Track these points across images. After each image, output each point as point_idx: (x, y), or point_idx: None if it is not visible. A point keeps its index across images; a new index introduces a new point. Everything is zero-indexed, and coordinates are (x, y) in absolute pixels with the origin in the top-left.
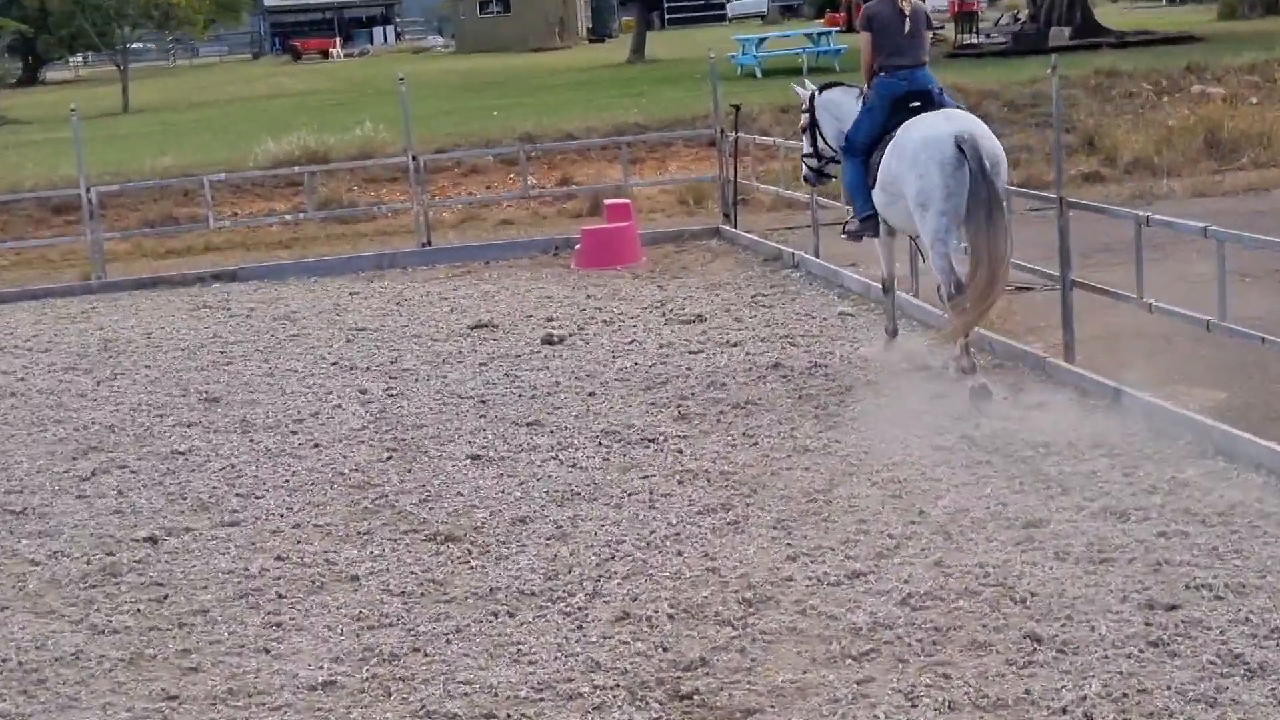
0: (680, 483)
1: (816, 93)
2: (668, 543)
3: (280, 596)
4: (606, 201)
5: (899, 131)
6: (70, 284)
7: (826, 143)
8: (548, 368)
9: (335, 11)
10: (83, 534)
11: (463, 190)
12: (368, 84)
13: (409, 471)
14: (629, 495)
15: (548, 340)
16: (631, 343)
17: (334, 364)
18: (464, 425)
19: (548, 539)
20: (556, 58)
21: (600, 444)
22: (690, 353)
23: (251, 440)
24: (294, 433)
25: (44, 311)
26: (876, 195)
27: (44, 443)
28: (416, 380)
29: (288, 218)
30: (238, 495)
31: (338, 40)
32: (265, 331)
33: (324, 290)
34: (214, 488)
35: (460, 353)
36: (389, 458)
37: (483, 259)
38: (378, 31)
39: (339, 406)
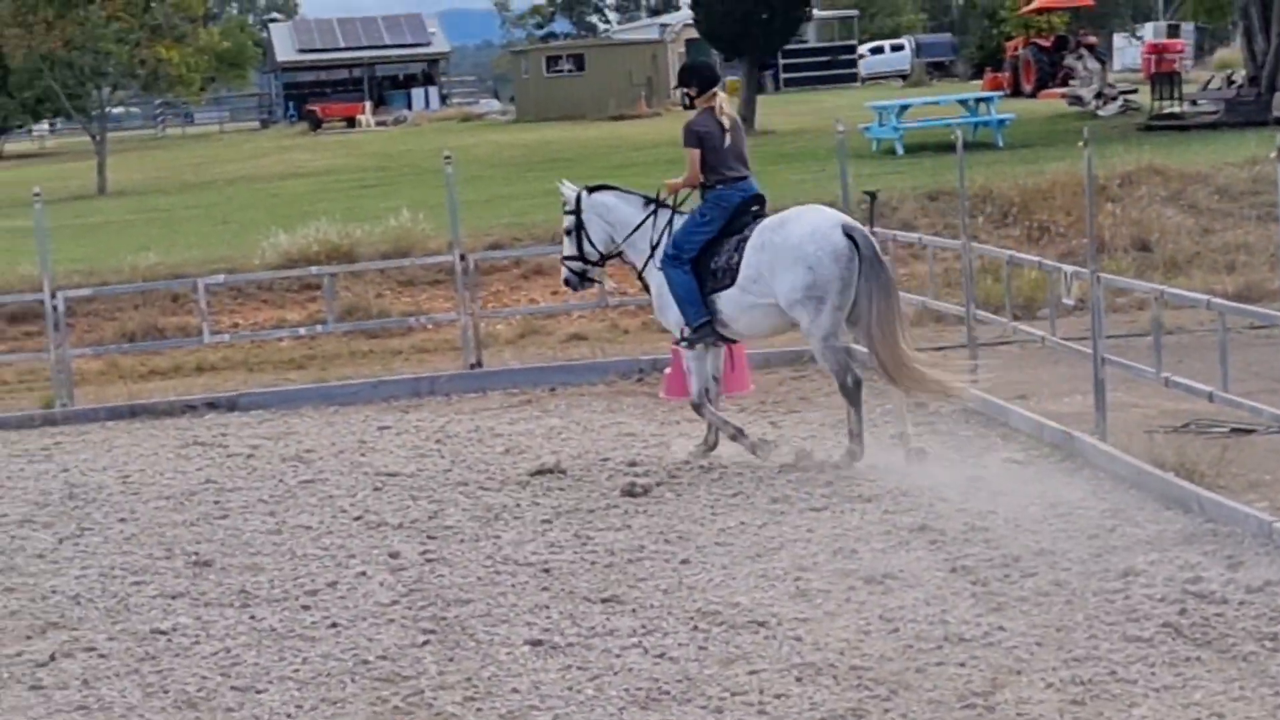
0: (799, 680)
1: (584, 193)
2: None
3: None
4: None
5: (763, 233)
6: (28, 412)
7: (594, 246)
8: (629, 527)
9: (365, 69)
10: None
11: (523, 298)
12: (404, 161)
13: (450, 660)
14: (732, 696)
15: (629, 491)
16: (736, 495)
17: (357, 519)
18: (521, 601)
19: None
20: (642, 128)
21: (696, 628)
22: (811, 509)
23: (252, 617)
24: (306, 608)
25: None
26: (732, 297)
27: None
28: (461, 542)
29: (302, 331)
30: (234, 689)
31: (368, 105)
32: (271, 476)
33: (346, 423)
34: (204, 678)
35: (518, 506)
36: (425, 642)
37: (547, 385)
38: (418, 94)
39: (363, 575)
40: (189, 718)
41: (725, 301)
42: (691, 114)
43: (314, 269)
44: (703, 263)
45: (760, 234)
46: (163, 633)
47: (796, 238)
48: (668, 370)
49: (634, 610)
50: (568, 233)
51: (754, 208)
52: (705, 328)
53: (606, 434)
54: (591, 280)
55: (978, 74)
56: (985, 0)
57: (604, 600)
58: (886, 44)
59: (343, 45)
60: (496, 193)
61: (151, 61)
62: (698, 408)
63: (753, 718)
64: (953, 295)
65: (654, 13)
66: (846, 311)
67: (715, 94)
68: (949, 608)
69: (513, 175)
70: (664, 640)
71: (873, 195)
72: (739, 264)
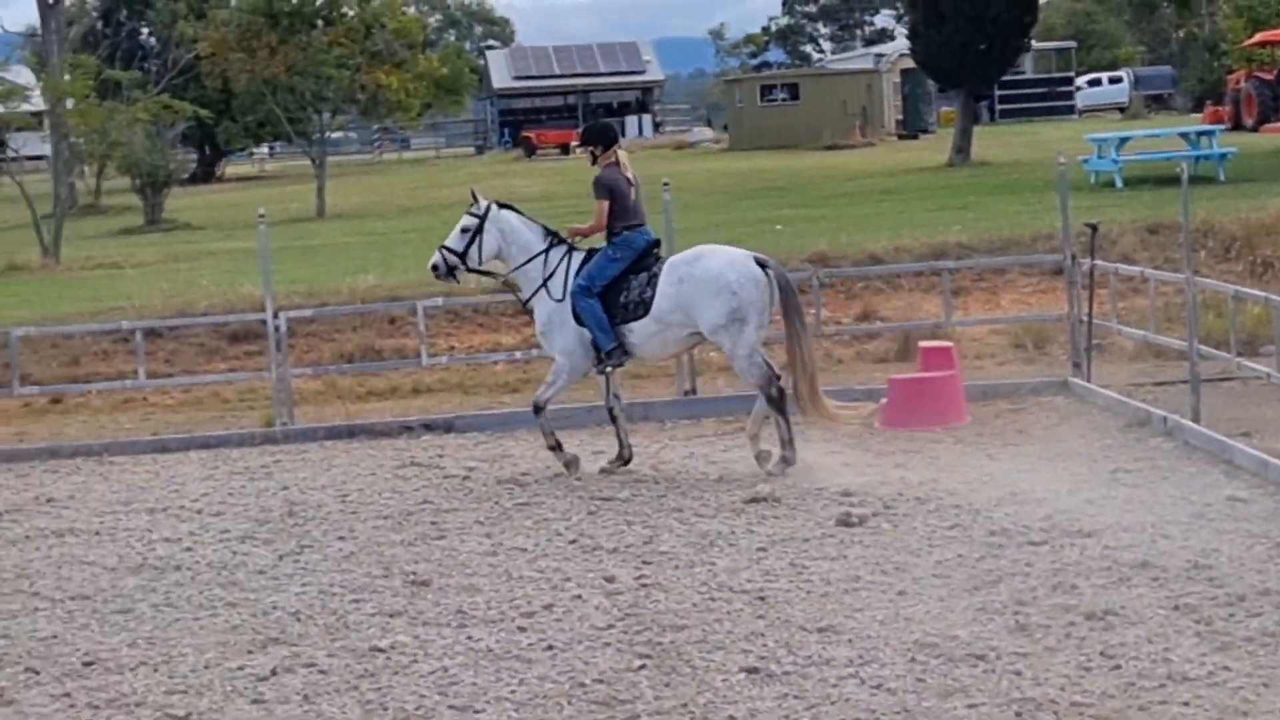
0: (1018, 715)
1: (494, 206)
2: None
3: None
4: (922, 344)
5: (678, 269)
6: (249, 430)
7: (479, 254)
8: (844, 557)
9: (580, 97)
10: None
11: None
12: None
13: (667, 686)
14: None
15: (844, 521)
16: (954, 528)
17: (573, 543)
18: (737, 628)
19: None
20: (857, 158)
21: (913, 660)
22: (1030, 544)
23: (469, 637)
24: (522, 629)
25: (216, 464)
26: (645, 326)
27: (214, 630)
28: (676, 567)
29: (517, 355)
30: (451, 708)
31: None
32: (487, 498)
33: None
34: (422, 697)
35: (732, 533)
36: (641, 666)
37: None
38: (631, 122)
39: (579, 598)
40: None
41: (637, 331)
42: (597, 169)
43: None
44: (610, 298)
45: (674, 270)
46: (381, 650)
47: (717, 269)
48: (883, 400)
49: (850, 640)
50: (464, 230)
51: (655, 250)
52: (616, 352)
53: (821, 463)
54: (455, 279)
55: (1197, 107)
56: (1206, 33)
57: (820, 629)
58: (1104, 76)
59: (558, 72)
60: (710, 220)
61: (371, 87)
62: (537, 410)
63: None
64: (1173, 330)
65: (869, 42)
66: (764, 331)
67: (616, 152)
68: (1172, 646)
69: (726, 203)
70: (881, 671)
71: (1094, 228)
72: (652, 298)
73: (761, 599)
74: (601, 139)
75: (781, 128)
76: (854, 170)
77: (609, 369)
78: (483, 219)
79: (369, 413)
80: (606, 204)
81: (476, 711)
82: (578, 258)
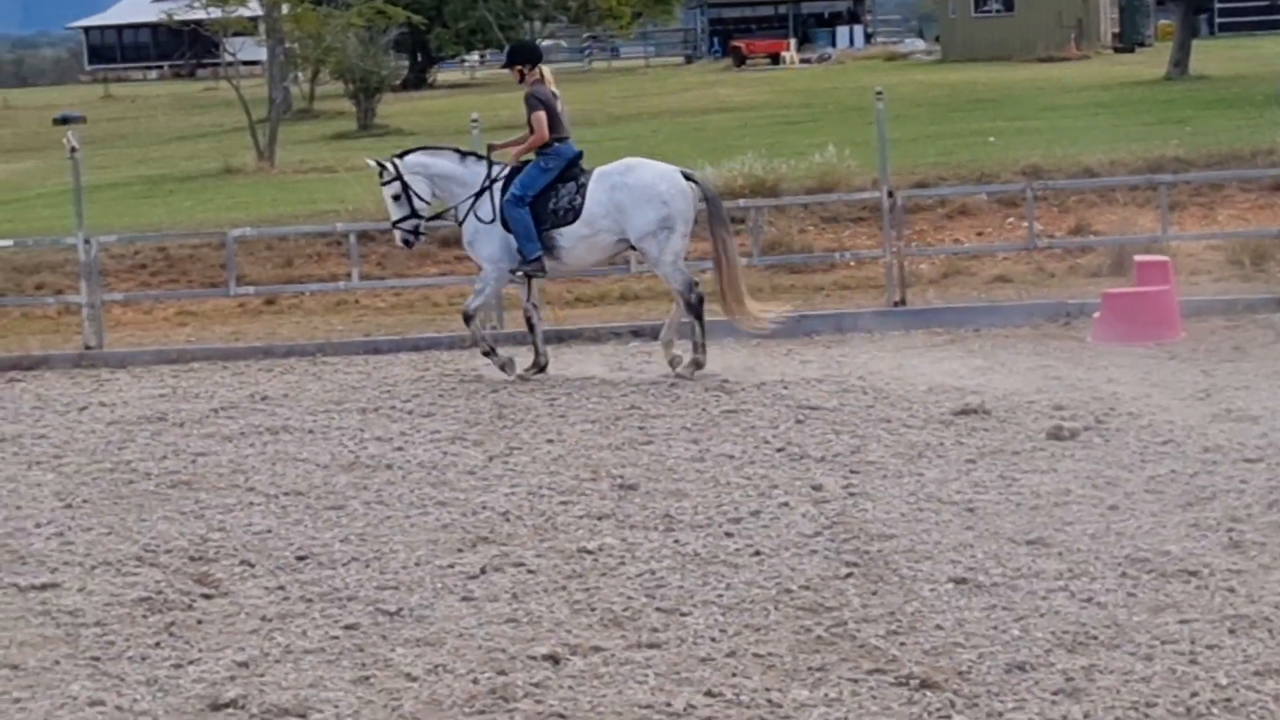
0: (1231, 632)
1: (398, 160)
2: (1214, 710)
3: None
4: (1137, 258)
5: (609, 178)
6: (460, 333)
7: (424, 201)
8: (1055, 470)
9: (791, 6)
10: (469, 646)
11: (947, 236)
12: (828, 98)
13: (874, 594)
14: (1162, 644)
15: (1055, 434)
16: (1166, 443)
17: (780, 450)
18: (945, 538)
19: (1054, 694)
20: (1071, 70)
21: (1124, 574)
22: (1246, 460)
23: (676, 541)
24: (729, 535)
25: (427, 366)
26: (575, 231)
27: (425, 529)
28: (884, 477)
29: None
30: (659, 610)
31: (792, 42)
32: (694, 405)
33: (768, 356)
34: (629, 598)
35: (941, 444)
36: (848, 574)
37: (971, 325)
38: (842, 32)
39: (786, 505)
40: (614, 636)
41: (566, 236)
42: (525, 87)
43: (741, 201)
44: (539, 206)
45: (606, 179)
46: (589, 552)
47: (649, 180)
48: (1097, 315)
49: (1060, 553)
50: (395, 198)
51: (580, 162)
52: (539, 260)
53: (1032, 376)
54: (422, 234)
55: None
56: None
57: (1029, 542)
58: None
59: None
60: (921, 132)
61: None
62: (467, 319)
63: (1184, 666)
64: None
65: None
66: (687, 240)
67: (540, 69)
68: None
69: (938, 115)
70: (1091, 585)
71: None
72: (582, 204)
73: (970, 510)
74: (528, 58)
75: (995, 40)
76: (1068, 83)
77: (529, 275)
78: (399, 178)
79: (577, 318)
80: (544, 114)
81: (683, 614)
82: (497, 170)
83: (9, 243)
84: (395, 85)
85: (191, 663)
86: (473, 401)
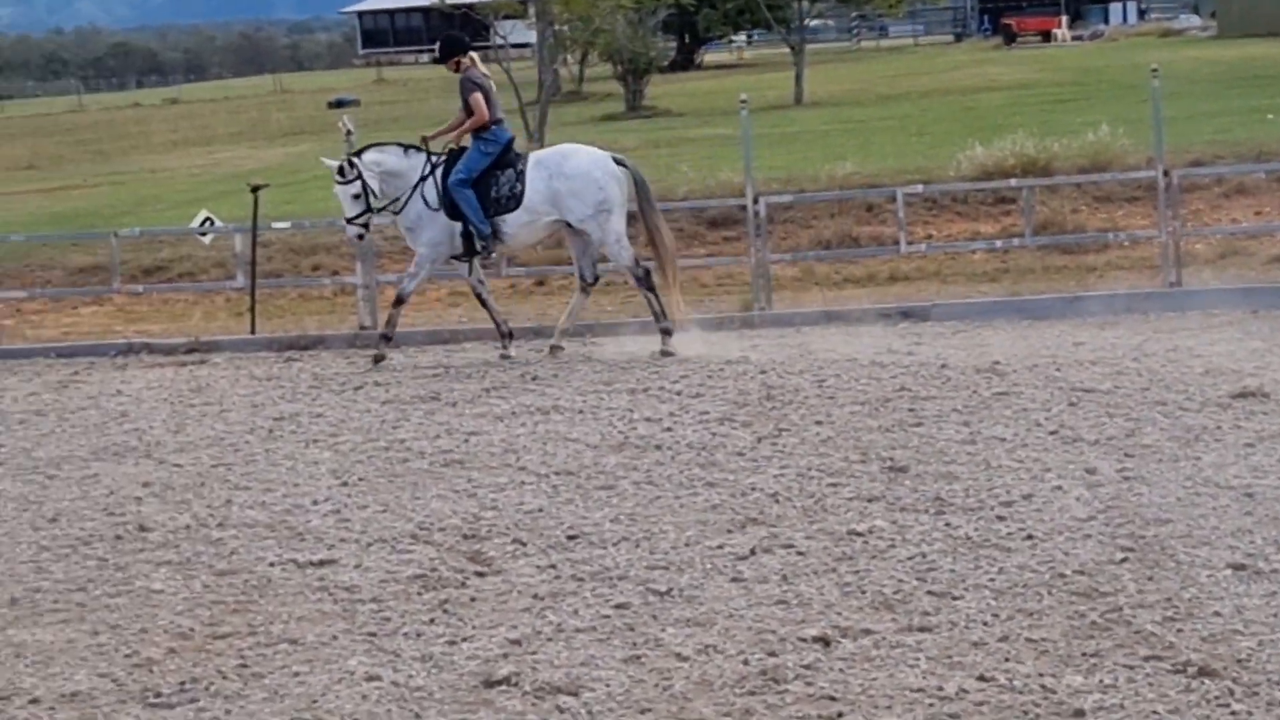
0: None
1: (354, 159)
2: None
3: None
4: None
5: (546, 166)
6: (727, 314)
7: (377, 198)
8: None
9: None
10: (739, 626)
11: (1224, 216)
12: (1101, 75)
13: (1150, 580)
14: None
15: None
16: None
17: (1053, 433)
18: (1223, 524)
19: None
20: None
21: None
22: None
23: (947, 524)
24: (1001, 518)
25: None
26: (517, 217)
27: (694, 509)
28: (1160, 461)
29: (997, 244)
30: (930, 593)
31: (1064, 19)
32: (965, 387)
33: (1040, 338)
34: (900, 581)
35: (1219, 428)
36: (1124, 559)
37: (1249, 307)
38: (1115, 8)
39: (1059, 489)
40: (885, 619)
41: (510, 222)
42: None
43: (1011, 181)
44: (480, 193)
45: (544, 167)
46: (859, 534)
47: (585, 167)
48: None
49: None
50: (355, 197)
51: (513, 146)
52: (491, 238)
53: None
54: (369, 227)
55: None
56: None
57: None
58: None
59: None
60: (1197, 109)
61: None
62: (400, 300)
63: None
64: None
65: None
66: (624, 219)
67: (471, 56)
68: None
69: (1214, 92)
70: None
71: None
72: (523, 192)
73: (1249, 495)
74: (458, 49)
75: (1274, 14)
76: None
77: (482, 255)
78: (360, 178)
79: (846, 299)
80: (482, 96)
81: (955, 598)
82: (439, 161)
83: (286, 225)
84: (663, 66)
85: (465, 640)
86: (741, 383)
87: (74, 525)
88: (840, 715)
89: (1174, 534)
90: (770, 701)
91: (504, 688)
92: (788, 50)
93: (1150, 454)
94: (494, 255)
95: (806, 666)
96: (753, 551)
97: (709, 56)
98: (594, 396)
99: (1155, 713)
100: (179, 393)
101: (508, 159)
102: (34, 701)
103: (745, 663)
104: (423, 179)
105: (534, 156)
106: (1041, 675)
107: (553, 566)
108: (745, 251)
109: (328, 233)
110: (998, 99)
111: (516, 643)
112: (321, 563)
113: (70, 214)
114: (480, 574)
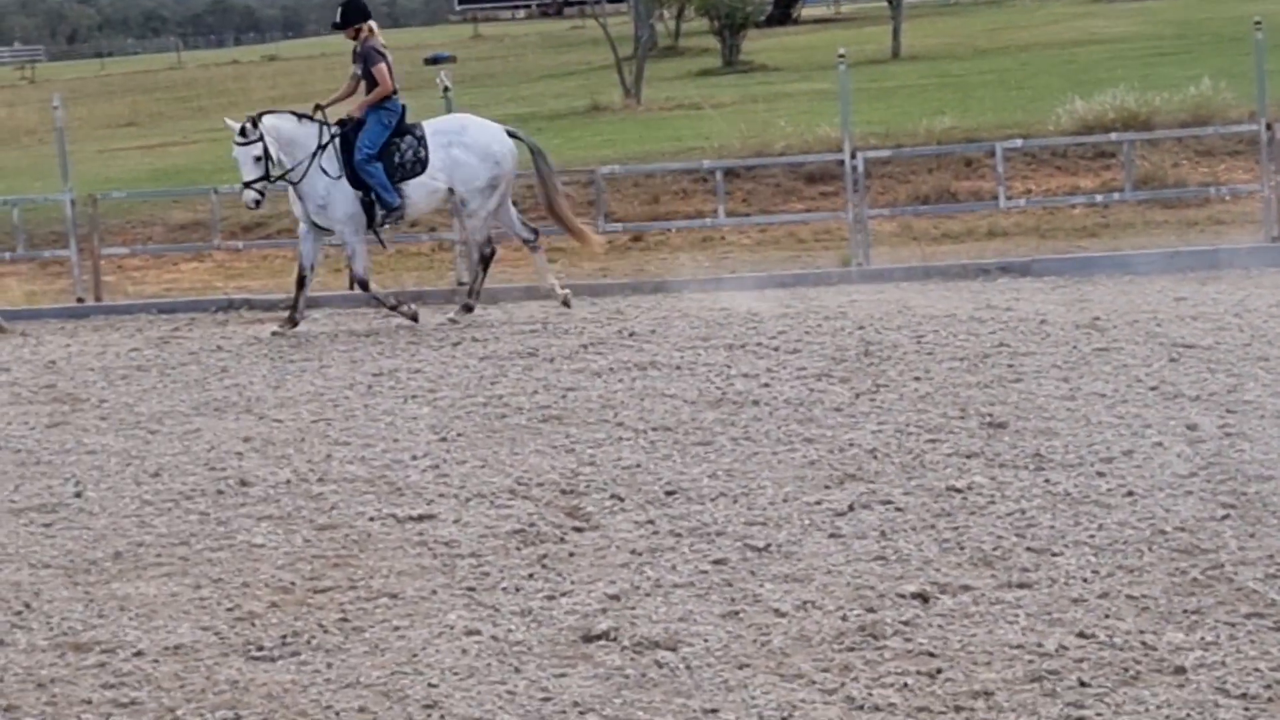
0: None
1: (256, 121)
2: None
3: (1083, 684)
4: None
5: (446, 135)
6: (825, 270)
7: (280, 164)
8: None
9: None
10: (838, 582)
11: None
12: (1205, 28)
13: (1251, 537)
14: None
15: None
16: None
17: (1153, 389)
18: None
19: None
20: None
21: None
22: None
23: (1047, 480)
24: (1101, 475)
25: (791, 303)
26: (421, 183)
27: (792, 465)
28: (1263, 417)
29: (1097, 198)
30: (1029, 550)
31: None
32: (1065, 343)
33: (1140, 293)
34: (999, 538)
35: None
36: (1225, 516)
37: None
38: None
39: (1159, 445)
40: (984, 575)
41: (413, 188)
42: (358, 44)
43: (1112, 135)
44: (385, 160)
45: (444, 135)
46: (958, 490)
47: (485, 141)
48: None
49: None
50: (257, 159)
51: (405, 115)
52: (400, 208)
53: None
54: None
55: None
56: None
57: None
58: None
59: None
60: None
61: None
62: (364, 284)
63: None
64: None
65: None
66: (505, 196)
67: (370, 26)
68: None
69: None
70: None
71: None
72: (426, 157)
73: None
74: (361, 16)
75: None
76: None
77: (389, 224)
78: (262, 139)
79: (944, 254)
80: (385, 66)
81: (1054, 554)
82: (329, 133)
83: None
84: (760, 21)
85: (564, 594)
86: (838, 339)
87: (176, 480)
88: (939, 671)
89: (1276, 491)
90: (869, 657)
91: (602, 642)
92: (885, 4)
93: (1252, 410)
94: (395, 224)
95: (905, 623)
96: (851, 507)
97: (806, 11)
98: (691, 352)
99: (1257, 669)
100: (278, 348)
101: (404, 126)
102: (138, 654)
103: (844, 618)
104: (321, 148)
105: (430, 125)
106: (1142, 632)
107: (650, 522)
108: (843, 207)
109: None
110: (1098, 52)
111: (615, 598)
112: (421, 518)
113: (170, 171)
114: (578, 529)
